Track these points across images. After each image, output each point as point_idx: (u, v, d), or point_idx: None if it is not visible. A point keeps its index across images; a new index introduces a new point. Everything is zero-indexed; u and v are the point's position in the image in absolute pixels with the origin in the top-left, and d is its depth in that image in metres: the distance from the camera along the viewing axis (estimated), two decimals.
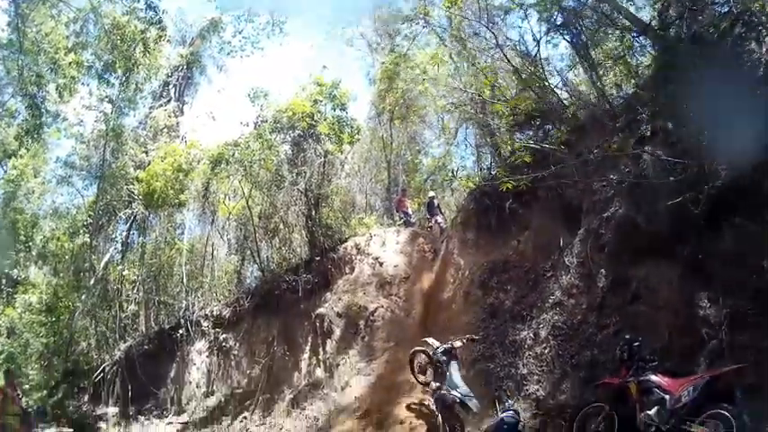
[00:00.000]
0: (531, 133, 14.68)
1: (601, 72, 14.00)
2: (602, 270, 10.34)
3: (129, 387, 20.62)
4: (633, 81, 12.92)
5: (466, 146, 24.92)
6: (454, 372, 10.15)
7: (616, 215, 10.33)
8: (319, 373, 15.63)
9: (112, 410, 20.57)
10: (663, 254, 9.38)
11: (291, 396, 15.64)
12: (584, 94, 14.86)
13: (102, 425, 19.70)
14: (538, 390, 10.23)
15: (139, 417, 19.94)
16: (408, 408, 11.94)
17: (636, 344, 8.13)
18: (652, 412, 7.52)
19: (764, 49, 8.99)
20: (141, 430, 19.20)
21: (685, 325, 8.60)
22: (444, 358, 10.28)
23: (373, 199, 26.35)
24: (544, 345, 10.61)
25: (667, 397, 7.42)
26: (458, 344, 10.76)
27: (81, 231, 26.64)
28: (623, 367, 8.19)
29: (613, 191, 10.59)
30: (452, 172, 17.37)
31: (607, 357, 9.27)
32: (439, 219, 19.80)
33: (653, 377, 7.76)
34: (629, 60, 12.89)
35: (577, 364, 9.85)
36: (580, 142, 12.42)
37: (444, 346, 10.57)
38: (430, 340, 11.02)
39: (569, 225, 11.74)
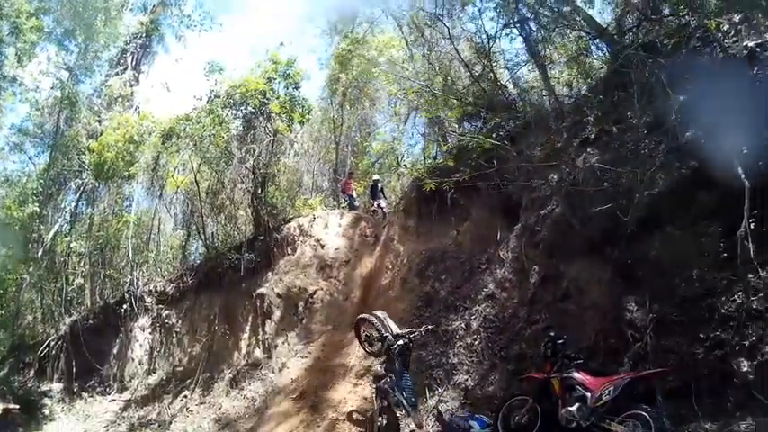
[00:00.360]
0: (479, 125, 14.83)
1: (554, 71, 14.31)
2: (536, 266, 10.46)
3: (74, 363, 20.59)
4: (585, 82, 13.02)
5: (412, 134, 25.08)
6: (406, 374, 9.50)
7: (552, 214, 10.45)
8: (258, 353, 15.66)
9: (57, 386, 20.54)
10: (594, 255, 9.51)
11: (231, 376, 15.66)
12: (535, 90, 14.93)
13: (47, 401, 19.54)
14: (467, 379, 10.33)
15: (83, 393, 19.92)
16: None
17: (560, 341, 8.26)
18: (573, 408, 7.64)
19: (717, 65, 9.17)
20: (85, 407, 19.13)
21: (612, 326, 8.78)
22: (398, 350, 9.45)
23: (320, 179, 26.35)
24: (475, 336, 10.70)
25: (588, 394, 7.57)
26: (416, 335, 10.05)
27: (30, 200, 26.14)
28: (548, 363, 8.31)
29: (551, 190, 10.67)
30: (398, 159, 17.50)
31: (535, 352, 9.36)
32: (382, 203, 19.85)
33: (576, 374, 7.90)
34: (582, 61, 12.96)
35: (506, 357, 9.97)
36: (524, 139, 12.53)
37: (403, 337, 9.63)
38: (381, 315, 10.04)
39: (508, 220, 11.84)
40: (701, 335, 7.54)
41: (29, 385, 21.19)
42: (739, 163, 7.70)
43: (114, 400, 18.95)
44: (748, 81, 8.31)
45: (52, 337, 22.28)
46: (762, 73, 8.19)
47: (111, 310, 21.69)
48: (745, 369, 7.01)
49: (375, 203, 20.05)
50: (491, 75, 13.79)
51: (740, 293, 7.38)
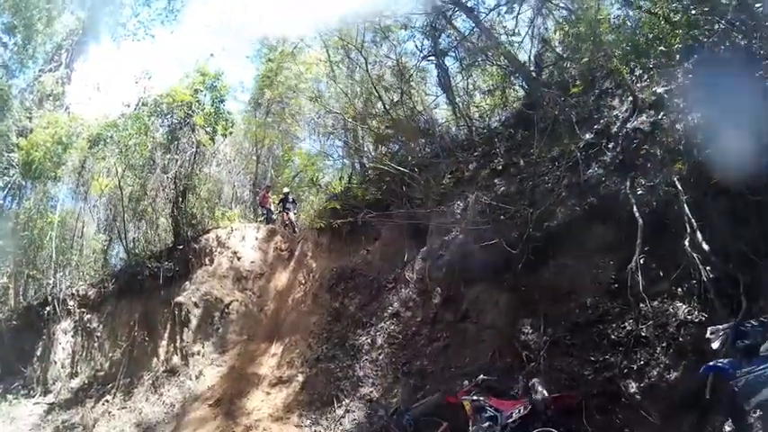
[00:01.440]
0: (395, 149, 15.45)
1: (474, 98, 14.86)
2: (438, 288, 11.01)
3: None
4: (500, 114, 13.61)
5: (330, 154, 25.45)
6: None
7: (456, 240, 10.99)
8: (176, 360, 15.80)
9: None
10: (493, 280, 10.13)
11: (150, 381, 15.75)
12: (448, 121, 15.52)
13: None
14: (372, 391, 10.82)
15: (8, 396, 19.56)
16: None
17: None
18: (485, 425, 8.24)
19: (624, 109, 9.80)
20: (10, 409, 18.80)
21: (508, 346, 9.35)
22: None
23: (241, 190, 26.46)
24: (380, 351, 11.23)
25: (498, 414, 8.17)
26: None
27: None
28: (461, 390, 8.93)
29: (456, 217, 11.23)
30: (313, 178, 18.11)
31: (435, 368, 10.03)
32: (291, 215, 20.29)
33: (485, 398, 8.52)
34: (499, 94, 13.63)
35: (408, 372, 10.48)
36: (435, 167, 13.11)
37: None
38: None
39: (415, 242, 12.38)
40: (592, 358, 8.20)
41: None
42: (634, 201, 8.37)
43: (38, 402, 18.75)
44: (655, 126, 8.95)
45: None
46: (666, 117, 8.81)
47: (34, 311, 21.59)
48: (632, 390, 7.62)
49: (285, 215, 20.49)
50: (409, 102, 14.48)
51: (630, 321, 8.00)
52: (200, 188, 20.91)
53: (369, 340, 11.66)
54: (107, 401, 16.45)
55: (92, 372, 18.49)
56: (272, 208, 22.05)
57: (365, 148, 18.17)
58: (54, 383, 19.43)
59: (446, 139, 14.02)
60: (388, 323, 11.64)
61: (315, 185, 17.17)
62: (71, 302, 20.62)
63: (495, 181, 11.25)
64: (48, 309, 20.78)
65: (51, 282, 21.91)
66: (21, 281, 24.14)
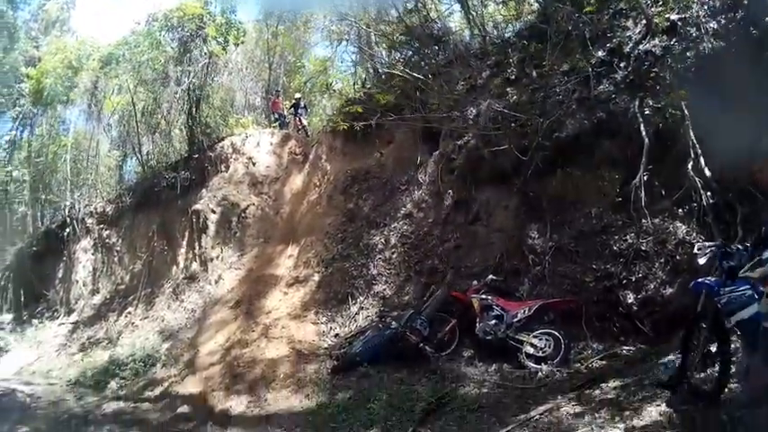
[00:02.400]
0: (408, 54, 15.38)
1: (488, 8, 14.72)
2: (450, 191, 11.26)
3: (22, 291, 21.40)
4: (514, 25, 13.63)
5: (342, 60, 24.85)
6: None
7: (468, 145, 11.15)
8: (196, 267, 16.28)
9: (7, 317, 21.24)
10: (503, 185, 10.41)
11: (171, 289, 16.27)
12: (463, 29, 15.44)
13: (0, 333, 20.04)
14: (385, 289, 11.22)
15: (33, 320, 20.55)
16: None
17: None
18: (491, 323, 8.83)
19: (637, 31, 9.64)
20: (36, 333, 19.64)
21: (515, 249, 9.73)
22: None
23: (253, 98, 26.57)
24: (393, 250, 11.55)
25: (504, 314, 8.76)
26: None
27: None
28: (470, 288, 9.47)
29: (469, 122, 11.31)
30: (328, 84, 18.06)
31: (446, 267, 10.42)
32: (303, 119, 20.74)
33: (492, 298, 9.10)
34: (512, 5, 13.66)
35: (420, 271, 10.86)
36: (448, 73, 13.08)
37: None
38: None
39: (428, 146, 12.55)
40: (594, 266, 8.60)
41: None
42: (642, 120, 8.55)
43: (63, 323, 19.42)
44: (667, 50, 8.96)
45: None
46: (678, 44, 8.81)
47: (53, 234, 22.28)
48: (630, 301, 8.07)
49: (297, 119, 20.86)
50: (423, 9, 14.27)
51: (632, 235, 8.35)
52: (214, 97, 21.20)
53: (382, 240, 11.92)
54: (129, 313, 17.01)
55: (113, 286, 19.10)
56: (285, 112, 22.19)
57: (379, 54, 18.10)
58: (77, 302, 20.09)
59: (460, 48, 13.94)
60: (400, 224, 11.89)
61: (328, 90, 17.14)
62: (89, 221, 21.19)
63: (508, 90, 11.25)
64: (67, 230, 21.36)
65: (68, 203, 22.50)
66: (38, 207, 25.02)
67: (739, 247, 5.02)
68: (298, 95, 21.83)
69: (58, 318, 20.32)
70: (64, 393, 12.61)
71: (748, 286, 4.65)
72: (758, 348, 4.51)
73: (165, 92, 20.21)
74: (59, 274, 21.68)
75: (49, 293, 21.57)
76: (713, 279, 5.40)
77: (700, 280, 5.61)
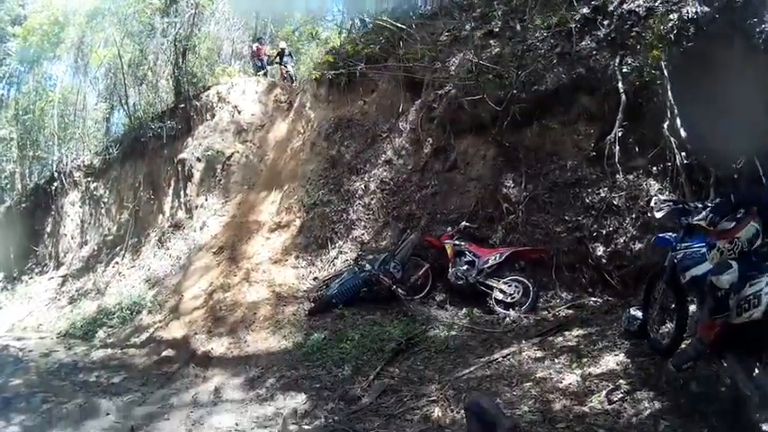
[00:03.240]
0: (395, 5, 15.47)
1: None
2: (430, 139, 11.49)
3: (11, 249, 21.66)
4: None
5: (329, 10, 25.26)
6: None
7: (448, 95, 11.31)
8: (181, 215, 16.40)
9: None
10: (481, 135, 10.66)
11: (157, 238, 16.43)
12: None
13: None
14: (363, 234, 11.49)
15: (23, 277, 20.92)
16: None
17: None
18: (463, 268, 9.15)
19: None
20: (26, 290, 19.98)
21: (490, 197, 10.03)
22: None
23: (240, 47, 26.36)
24: (372, 196, 11.76)
25: (476, 260, 9.06)
26: None
27: None
28: (444, 234, 9.78)
29: (450, 73, 11.57)
30: (313, 32, 18.05)
31: (423, 213, 10.72)
32: (289, 68, 20.84)
33: (465, 244, 9.41)
34: None
35: (398, 216, 11.13)
36: (432, 24, 13.33)
37: None
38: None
39: (410, 94, 12.64)
40: (566, 217, 8.91)
41: None
42: (620, 78, 8.73)
43: (52, 277, 19.70)
44: (650, 11, 9.01)
45: None
46: (661, 6, 8.84)
47: (41, 190, 22.54)
48: (599, 253, 8.36)
49: (283, 68, 20.95)
50: None
51: (605, 189, 8.60)
52: (200, 47, 20.99)
53: (362, 186, 12.12)
54: (117, 263, 17.23)
55: (101, 238, 19.29)
56: (265, 60, 22.17)
57: (365, 4, 18.03)
58: (65, 256, 20.42)
59: None
60: (380, 170, 12.10)
61: (314, 39, 17.16)
62: (77, 174, 21.29)
63: (491, 42, 11.43)
64: (55, 185, 21.56)
65: (56, 158, 22.68)
66: (26, 164, 25.04)
67: (698, 204, 5.13)
68: (283, 44, 21.84)
69: (47, 272, 20.64)
70: (54, 345, 12.81)
71: (703, 243, 4.78)
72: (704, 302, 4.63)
73: (151, 43, 20.20)
74: (48, 229, 21.96)
75: (39, 249, 21.86)
76: (672, 235, 5.56)
77: (660, 235, 5.83)
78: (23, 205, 23.07)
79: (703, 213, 4.60)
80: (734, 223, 4.22)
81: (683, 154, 7.86)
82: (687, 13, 8.33)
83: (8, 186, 25.23)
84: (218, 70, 21.21)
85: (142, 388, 8.50)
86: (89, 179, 20.81)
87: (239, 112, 17.71)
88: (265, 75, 21.32)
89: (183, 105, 18.61)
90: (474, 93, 10.40)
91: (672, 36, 8.33)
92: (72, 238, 20.74)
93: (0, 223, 23.19)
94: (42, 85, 26.32)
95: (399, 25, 13.02)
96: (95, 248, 19.16)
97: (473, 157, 10.83)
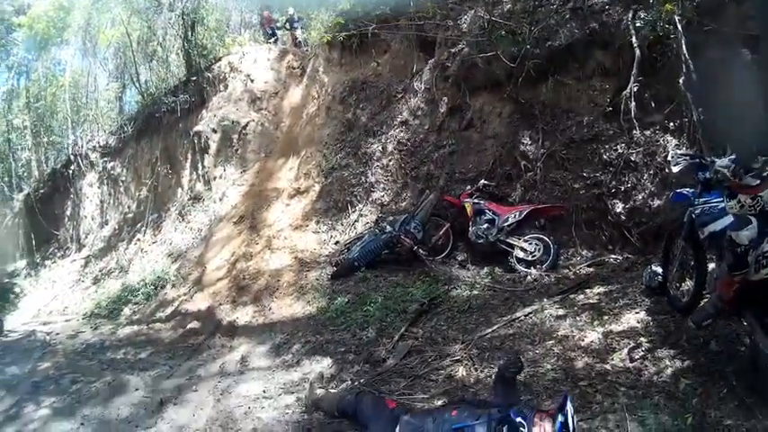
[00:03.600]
0: None
1: None
2: (445, 98, 11.37)
3: (32, 235, 21.93)
4: None
5: None
6: None
7: (462, 52, 11.18)
8: (200, 187, 16.55)
9: (21, 264, 21.91)
10: (496, 92, 10.55)
11: (177, 212, 16.59)
12: None
13: (16, 280, 20.76)
14: (383, 196, 11.49)
15: (46, 262, 21.26)
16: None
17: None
18: (483, 227, 9.13)
19: None
20: (50, 274, 20.30)
21: (508, 155, 9.96)
22: None
23: (249, 15, 26.35)
24: (390, 158, 11.75)
25: (496, 218, 9.05)
26: None
27: None
28: (463, 193, 9.76)
29: (462, 31, 11.42)
30: None
31: (441, 173, 10.67)
32: (297, 32, 20.98)
33: (485, 202, 9.38)
34: None
35: (416, 176, 11.12)
36: None
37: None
38: None
39: (423, 54, 12.57)
40: (584, 174, 8.84)
41: None
42: (634, 32, 8.59)
43: (74, 260, 19.95)
44: None
45: (8, 217, 23.45)
46: None
47: (59, 174, 22.70)
48: (618, 210, 8.34)
49: (293, 34, 21.13)
50: None
51: (622, 145, 8.51)
52: (209, 19, 20.99)
53: (380, 148, 12.11)
54: (138, 240, 17.43)
55: (121, 216, 19.51)
56: (277, 26, 22.14)
57: None
58: (87, 237, 20.67)
59: None
60: (397, 131, 12.06)
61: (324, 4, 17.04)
62: (93, 155, 21.40)
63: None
64: (72, 168, 21.69)
65: (71, 141, 22.84)
66: (42, 150, 25.47)
67: (714, 159, 4.97)
68: (291, 10, 21.68)
69: (69, 255, 20.88)
70: (80, 326, 12.97)
71: (721, 198, 4.68)
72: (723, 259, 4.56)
73: (159, 19, 20.08)
74: (68, 213, 22.16)
75: (59, 233, 22.12)
76: (690, 190, 5.51)
77: (678, 191, 5.77)
78: (41, 191, 23.23)
79: (726, 161, 4.41)
80: (758, 181, 4.09)
81: (700, 109, 7.71)
82: None
83: (25, 174, 25.58)
84: (229, 40, 21.15)
85: (169, 361, 8.61)
86: (105, 159, 20.95)
87: (252, 81, 17.69)
88: (276, 42, 21.27)
89: (195, 78, 18.57)
90: (487, 50, 10.27)
91: None
92: (92, 219, 20.96)
93: (20, 211, 23.50)
94: (52, 71, 26.72)
95: None
96: (116, 227, 19.37)
97: (489, 114, 10.74)
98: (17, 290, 20.13)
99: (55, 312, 16.60)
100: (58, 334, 12.26)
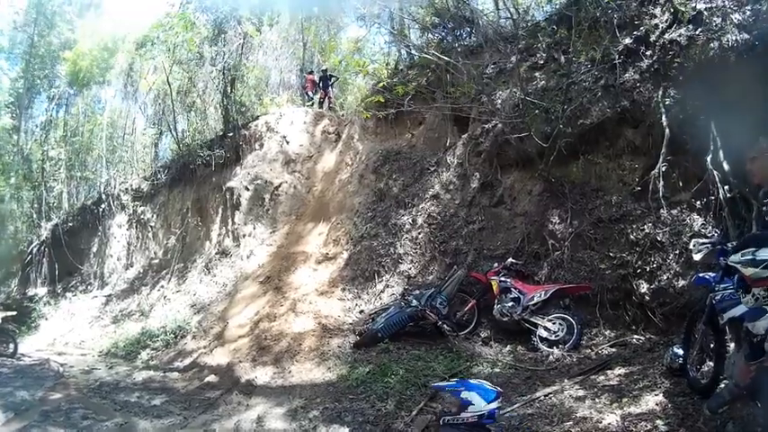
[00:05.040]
0: (440, 35, 15.53)
1: None
2: (477, 173, 11.67)
3: (56, 266, 22.22)
4: (543, 11, 13.74)
5: (375, 42, 25.63)
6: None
7: (495, 128, 11.49)
8: (228, 242, 16.74)
9: (42, 291, 22.13)
10: (528, 169, 10.89)
11: (203, 264, 16.79)
12: (493, 12, 15.49)
13: (35, 305, 20.86)
14: (410, 268, 11.61)
15: (67, 294, 21.45)
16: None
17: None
18: (508, 305, 9.26)
19: (664, 19, 9.69)
20: (69, 306, 20.46)
21: (537, 234, 10.20)
22: None
23: (288, 76, 26.81)
24: (419, 230, 11.91)
25: (522, 297, 9.18)
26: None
27: (3, 111, 27.46)
28: (490, 271, 9.85)
29: (496, 107, 11.65)
30: (360, 64, 18.29)
31: (469, 248, 10.86)
32: (330, 92, 21.37)
33: (511, 281, 9.51)
34: None
35: (445, 251, 11.26)
36: (479, 56, 13.41)
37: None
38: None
39: (457, 128, 12.94)
40: (611, 254, 9.02)
41: (14, 293, 22.86)
42: (664, 110, 8.83)
43: (96, 296, 20.17)
44: (691, 40, 9.01)
45: (34, 244, 23.94)
46: (702, 35, 8.81)
47: (88, 210, 23.16)
48: (643, 290, 8.44)
49: (325, 92, 21.43)
50: None
51: (649, 225, 8.69)
52: (248, 76, 21.63)
53: (410, 220, 12.28)
54: (162, 287, 17.63)
55: (147, 261, 19.83)
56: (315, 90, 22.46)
57: (411, 37, 18.24)
58: (110, 276, 21.00)
59: (490, 31, 14.12)
60: (428, 204, 12.26)
61: (362, 70, 17.44)
62: (124, 197, 21.94)
63: (536, 75, 11.59)
64: (102, 206, 22.26)
65: (104, 180, 23.43)
66: (73, 184, 25.86)
67: (734, 244, 5.11)
68: (325, 67, 22.20)
69: (91, 291, 21.14)
70: (96, 363, 13.09)
71: (742, 284, 4.73)
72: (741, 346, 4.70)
73: (200, 71, 20.79)
74: (94, 249, 22.55)
75: (84, 268, 22.40)
76: (712, 275, 5.57)
77: (701, 275, 5.85)
78: (70, 224, 23.63)
79: (738, 256, 4.51)
80: None
81: (726, 187, 7.90)
82: (728, 41, 8.40)
83: (55, 205, 25.84)
84: (267, 100, 21.90)
85: (184, 412, 8.64)
86: (137, 203, 21.42)
87: (287, 143, 18.09)
88: (312, 105, 21.68)
89: (231, 134, 19.07)
90: (520, 128, 10.61)
91: (714, 65, 8.43)
92: (118, 260, 21.33)
93: (46, 240, 23.81)
94: (91, 107, 27.40)
95: (445, 58, 13.15)
96: (141, 271, 19.65)
97: (519, 192, 11.05)
98: (35, 315, 20.40)
99: (71, 345, 16.77)
100: (72, 367, 12.45)
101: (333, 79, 22.06)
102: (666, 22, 9.63)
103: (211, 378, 10.22)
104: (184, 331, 13.70)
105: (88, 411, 8.50)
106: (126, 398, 9.64)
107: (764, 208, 4.87)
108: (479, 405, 4.83)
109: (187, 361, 11.90)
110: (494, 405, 4.88)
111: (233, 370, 10.06)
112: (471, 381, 5.26)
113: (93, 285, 21.55)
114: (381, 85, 14.84)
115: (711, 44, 8.58)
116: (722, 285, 5.19)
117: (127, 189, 22.24)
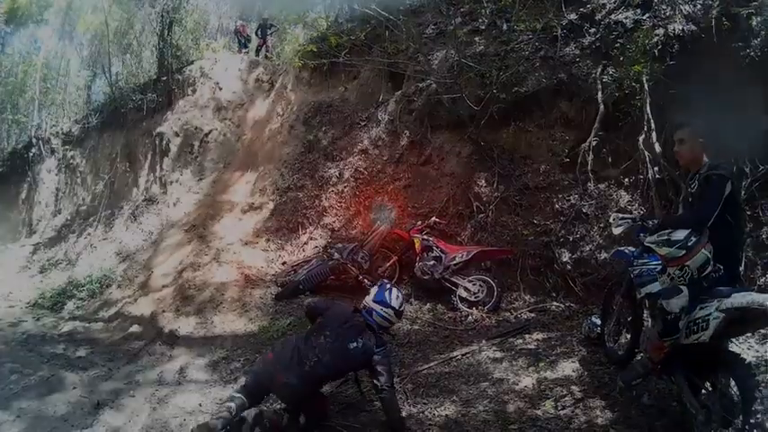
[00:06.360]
0: None
1: None
2: (407, 131, 11.54)
3: None
4: None
5: None
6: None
7: (429, 88, 11.39)
8: (156, 189, 16.31)
9: None
10: (458, 131, 10.73)
11: (130, 211, 16.29)
12: None
13: None
14: (335, 221, 11.56)
15: None
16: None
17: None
18: (429, 263, 9.13)
19: (612, 0, 9.81)
20: None
21: (462, 195, 10.13)
22: None
23: (227, 21, 26.30)
24: (346, 184, 11.81)
25: (443, 256, 9.06)
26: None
27: None
28: (413, 228, 9.76)
29: (432, 67, 11.50)
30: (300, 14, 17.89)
31: (394, 205, 10.64)
32: (268, 41, 20.96)
33: (433, 239, 9.42)
34: None
35: (369, 206, 11.08)
36: (419, 16, 13.38)
37: None
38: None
39: (391, 85, 12.78)
40: (535, 221, 9.05)
41: None
42: (600, 87, 8.84)
43: (24, 245, 19.40)
44: (637, 24, 9.10)
45: None
46: (649, 20, 8.95)
47: (18, 155, 22.32)
48: (565, 259, 8.48)
49: (261, 41, 21.00)
50: None
51: (575, 196, 8.75)
52: (187, 20, 20.89)
53: (337, 173, 12.20)
54: (89, 235, 17.09)
55: (74, 208, 19.18)
56: (251, 35, 22.18)
57: None
58: (38, 224, 20.26)
59: None
60: (356, 158, 12.16)
61: (301, 21, 17.04)
62: (55, 141, 21.16)
63: (475, 39, 11.51)
64: (32, 151, 21.38)
65: (35, 123, 22.57)
66: (4, 127, 24.90)
67: (655, 221, 5.11)
68: (265, 16, 21.68)
69: (19, 239, 20.40)
70: (23, 314, 12.73)
71: (659, 261, 4.75)
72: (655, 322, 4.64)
73: (139, 13, 20.20)
74: (23, 196, 21.73)
75: (12, 215, 21.62)
76: (632, 250, 5.61)
77: (620, 249, 5.90)
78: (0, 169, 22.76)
79: (654, 237, 4.51)
80: (684, 252, 4.19)
81: (656, 169, 7.97)
82: (673, 30, 8.39)
83: None
84: (203, 45, 21.16)
85: (108, 363, 8.44)
86: (67, 147, 20.65)
87: (220, 89, 17.64)
88: (247, 53, 21.18)
89: (165, 78, 18.44)
90: (454, 89, 10.41)
91: (656, 51, 8.39)
92: (46, 206, 20.58)
93: None
94: (27, 47, 26.27)
95: (387, 15, 12.73)
96: (69, 218, 19.00)
97: (448, 153, 10.90)
98: None
99: None
100: (1, 320, 12.00)
101: (272, 28, 21.55)
102: (614, 2, 9.68)
103: (135, 328, 10.07)
104: (110, 280, 13.41)
105: (15, 365, 8.22)
106: (52, 350, 9.41)
107: (690, 190, 4.79)
108: None
109: (112, 311, 11.62)
110: None
111: (156, 320, 9.88)
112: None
113: (21, 233, 20.83)
114: (317, 34, 14.44)
115: (657, 30, 8.59)
116: (641, 261, 5.21)
117: (57, 133, 21.45)
